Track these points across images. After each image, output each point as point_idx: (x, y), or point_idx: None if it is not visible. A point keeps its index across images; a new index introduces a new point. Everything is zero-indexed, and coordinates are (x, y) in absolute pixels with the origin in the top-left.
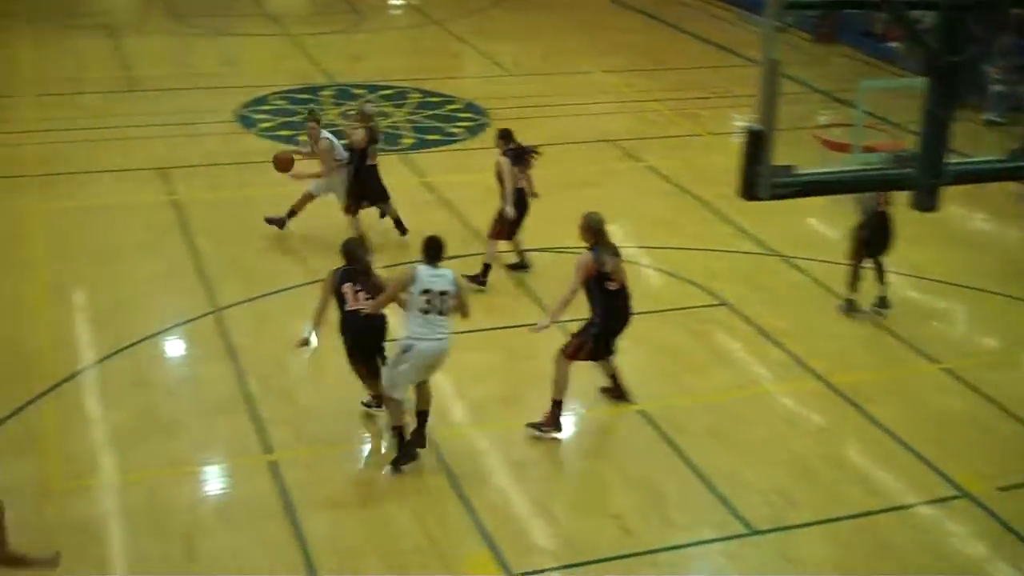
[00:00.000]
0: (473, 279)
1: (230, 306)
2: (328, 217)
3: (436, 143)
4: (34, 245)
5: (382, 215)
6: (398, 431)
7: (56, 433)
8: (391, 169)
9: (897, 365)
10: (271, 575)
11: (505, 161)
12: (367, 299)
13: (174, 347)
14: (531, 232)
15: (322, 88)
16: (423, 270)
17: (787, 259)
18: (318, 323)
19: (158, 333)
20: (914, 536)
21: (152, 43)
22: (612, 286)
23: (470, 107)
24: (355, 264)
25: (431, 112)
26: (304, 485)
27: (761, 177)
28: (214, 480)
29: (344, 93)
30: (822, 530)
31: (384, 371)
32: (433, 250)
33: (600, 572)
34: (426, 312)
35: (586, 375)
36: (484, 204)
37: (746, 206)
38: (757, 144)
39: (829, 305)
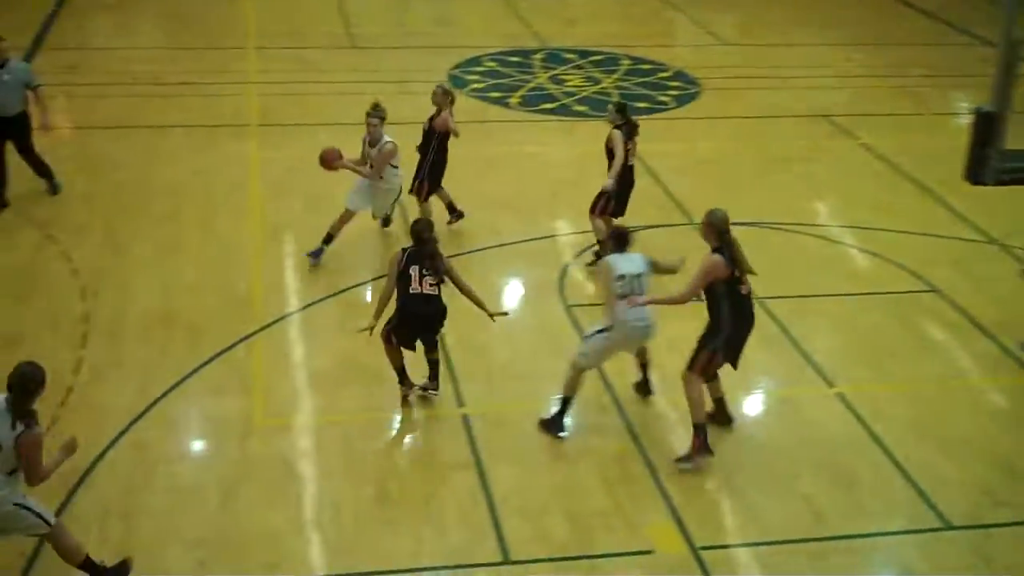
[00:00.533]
0: (594, 262)
1: None
2: (528, 180)
3: (644, 111)
4: (253, 192)
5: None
6: (565, 401)
7: (262, 373)
8: (597, 136)
9: None
10: (460, 524)
11: (618, 135)
12: (432, 284)
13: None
14: (735, 207)
15: (534, 52)
16: (615, 259)
17: (1007, 248)
18: (382, 307)
19: (365, 282)
20: None
21: (372, 2)
22: (744, 290)
23: (680, 76)
24: (423, 247)
25: (641, 79)
26: (493, 441)
27: (989, 161)
28: (408, 429)
29: (555, 57)
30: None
31: (583, 343)
32: (621, 242)
33: (787, 553)
34: (625, 296)
35: (782, 357)
36: (689, 174)
37: (966, 191)
38: (988, 126)
39: None
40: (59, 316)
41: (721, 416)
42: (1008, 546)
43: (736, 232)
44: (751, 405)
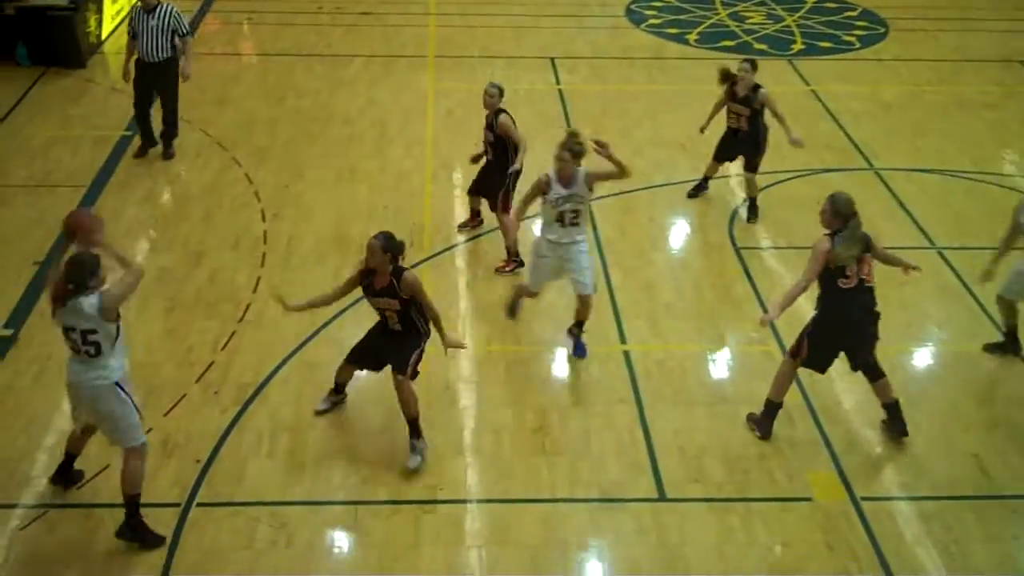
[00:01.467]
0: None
1: (602, 197)
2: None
3: (827, 51)
4: (429, 123)
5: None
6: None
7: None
8: (777, 75)
9: None
10: (617, 459)
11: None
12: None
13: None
14: (917, 154)
15: None
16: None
17: None
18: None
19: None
20: None
21: None
22: (845, 284)
23: (867, 15)
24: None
25: (826, 18)
26: (654, 379)
27: None
28: (570, 363)
29: None
30: None
31: None
32: None
33: (950, 509)
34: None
35: (960, 309)
36: (872, 118)
37: None
38: None
39: None
40: (240, 235)
41: (893, 424)
42: None
43: (918, 180)
44: (923, 357)
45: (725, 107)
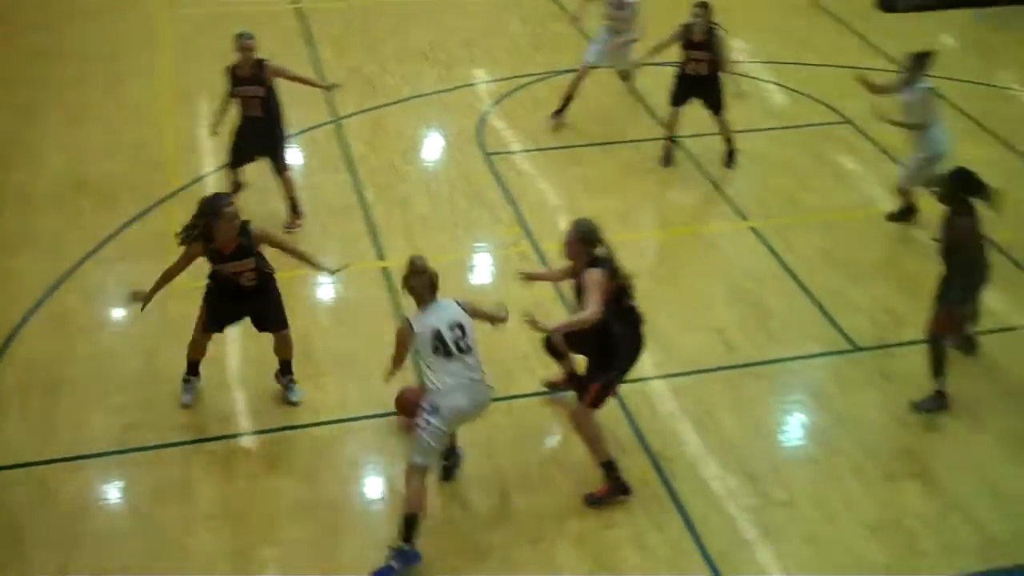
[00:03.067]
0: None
1: (350, 115)
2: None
3: None
4: (162, 51)
5: None
6: None
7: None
8: None
9: (1022, 185)
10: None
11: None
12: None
13: (293, 156)
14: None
15: None
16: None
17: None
18: None
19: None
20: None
21: None
22: (630, 303)
23: None
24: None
25: None
26: None
27: None
28: (328, 283)
29: None
30: (924, 349)
31: None
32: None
33: (702, 382)
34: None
35: (696, 193)
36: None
37: (878, 20)
38: None
39: (955, 127)
40: None
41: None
42: (907, 363)
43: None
44: (666, 243)
45: (683, 53)
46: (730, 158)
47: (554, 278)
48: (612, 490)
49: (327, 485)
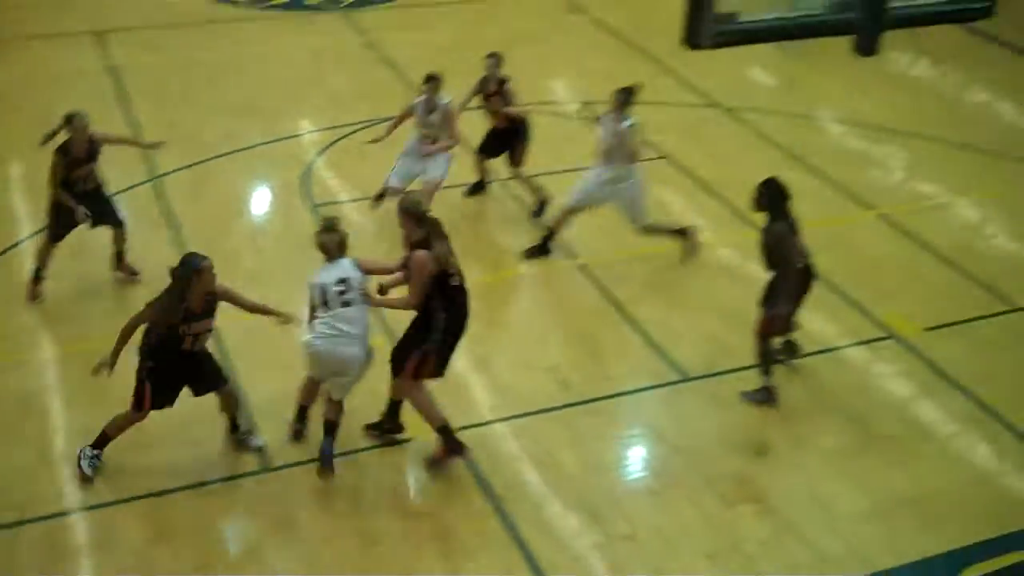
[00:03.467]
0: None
1: (171, 172)
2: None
3: (382, 0)
4: None
5: None
6: None
7: None
8: (330, 28)
9: (834, 212)
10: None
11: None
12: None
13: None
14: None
15: None
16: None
17: (729, 111)
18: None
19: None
20: (844, 377)
21: None
22: (456, 281)
23: None
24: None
25: None
26: (245, 350)
27: (704, 25)
28: None
29: None
30: (752, 374)
31: None
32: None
33: (539, 422)
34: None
35: (528, 235)
36: (428, 63)
37: (690, 57)
38: None
39: (769, 157)
40: None
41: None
42: (735, 387)
43: (472, 117)
44: (495, 285)
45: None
46: (541, 208)
47: (395, 269)
48: (449, 451)
49: (163, 559)
